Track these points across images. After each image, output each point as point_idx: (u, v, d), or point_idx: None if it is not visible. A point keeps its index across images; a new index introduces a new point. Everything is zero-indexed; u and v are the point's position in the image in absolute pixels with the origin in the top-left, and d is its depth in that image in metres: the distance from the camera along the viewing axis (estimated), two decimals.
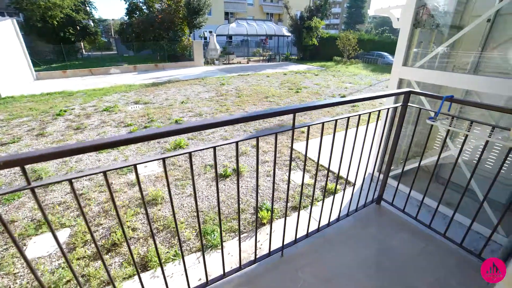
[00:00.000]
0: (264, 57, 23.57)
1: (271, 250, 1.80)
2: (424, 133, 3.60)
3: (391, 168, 2.36)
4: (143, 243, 2.74)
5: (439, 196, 2.65)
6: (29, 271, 2.34)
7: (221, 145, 1.15)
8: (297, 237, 1.91)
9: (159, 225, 3.02)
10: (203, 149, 1.12)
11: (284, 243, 1.84)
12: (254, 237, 1.72)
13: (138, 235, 2.87)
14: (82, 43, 26.14)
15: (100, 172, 0.96)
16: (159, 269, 2.38)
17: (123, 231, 1.12)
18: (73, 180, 0.96)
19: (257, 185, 1.48)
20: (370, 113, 1.71)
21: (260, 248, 2.60)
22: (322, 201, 1.93)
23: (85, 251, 2.58)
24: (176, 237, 2.82)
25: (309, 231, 1.97)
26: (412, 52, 3.13)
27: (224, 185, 3.79)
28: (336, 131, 1.61)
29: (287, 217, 1.85)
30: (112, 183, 3.80)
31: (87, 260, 2.48)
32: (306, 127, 1.44)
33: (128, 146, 4.94)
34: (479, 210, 1.77)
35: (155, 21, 18.88)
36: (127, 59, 21.50)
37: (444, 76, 2.81)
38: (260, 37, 27.37)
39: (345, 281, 1.65)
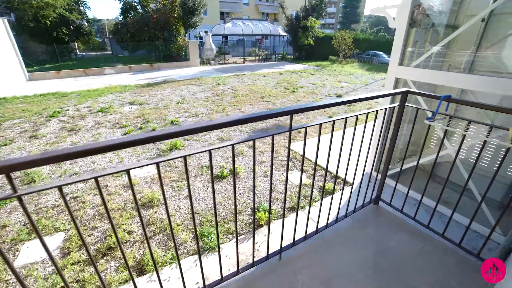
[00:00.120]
0: (260, 57, 23.54)
1: (269, 253, 1.78)
2: (420, 132, 3.61)
3: (389, 167, 2.35)
4: (139, 247, 2.70)
5: (435, 194, 2.65)
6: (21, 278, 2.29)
7: (216, 148, 1.12)
8: (295, 239, 1.89)
9: (155, 228, 2.98)
10: (198, 153, 1.09)
11: (282, 246, 1.82)
12: (252, 239, 1.69)
13: (134, 238, 2.83)
14: (76, 43, 25.87)
15: (92, 178, 0.93)
16: (156, 273, 2.34)
17: (117, 238, 1.08)
18: (63, 186, 0.93)
19: (254, 188, 1.45)
20: (367, 113, 1.70)
21: (258, 250, 2.58)
22: (320, 202, 1.91)
23: (80, 255, 2.53)
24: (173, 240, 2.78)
25: (307, 233, 1.95)
26: (408, 51, 3.13)
27: (220, 186, 3.76)
28: (334, 130, 1.59)
29: (285, 218, 1.83)
30: (107, 185, 3.75)
31: (82, 265, 2.44)
32: (304, 128, 1.42)
33: None
34: (477, 210, 1.77)
35: (150, 21, 18.73)
36: (122, 60, 21.31)
37: (440, 76, 2.82)
38: (256, 36, 27.34)
39: (344, 283, 1.64)
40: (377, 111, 1.79)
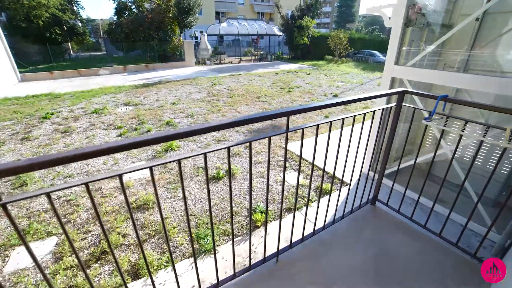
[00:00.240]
0: (256, 57, 23.51)
1: (266, 256, 1.76)
2: (414, 131, 3.62)
3: (386, 167, 2.34)
4: (134, 250, 2.66)
5: (431, 193, 2.66)
6: (10, 285, 2.23)
7: (211, 151, 1.09)
8: (292, 241, 1.87)
9: (150, 231, 2.93)
10: (193, 156, 1.06)
11: (279, 248, 1.80)
12: (248, 241, 1.67)
13: (129, 241, 2.79)
14: (69, 44, 25.54)
15: (82, 184, 0.89)
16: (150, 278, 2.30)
17: (108, 244, 1.05)
18: (52, 193, 0.89)
19: (250, 190, 1.43)
20: (365, 114, 1.68)
21: (254, 251, 2.55)
22: (317, 202, 1.89)
23: (73, 260, 2.48)
24: (169, 243, 2.74)
25: (304, 235, 1.93)
26: (404, 51, 3.14)
27: (216, 187, 3.73)
28: (331, 130, 1.57)
29: (282, 219, 1.81)
30: (101, 187, 3.69)
31: (75, 270, 2.39)
32: (301, 130, 1.39)
33: None
34: (474, 210, 1.77)
35: (145, 21, 18.57)
36: (116, 60, 21.11)
37: (435, 75, 2.82)
38: (251, 36, 27.29)
39: (342, 287, 1.62)
40: (374, 111, 1.78)
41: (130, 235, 2.84)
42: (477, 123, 1.64)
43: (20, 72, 13.08)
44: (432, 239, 2.00)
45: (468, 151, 3.02)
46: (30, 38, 19.49)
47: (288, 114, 1.27)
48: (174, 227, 2.96)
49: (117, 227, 2.95)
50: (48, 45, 17.94)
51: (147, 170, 4.40)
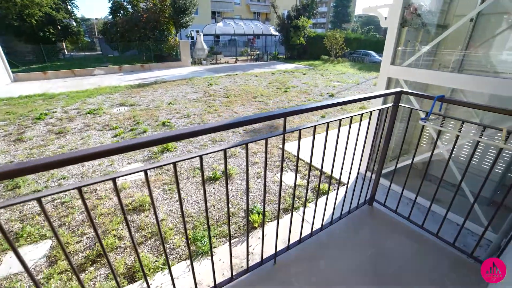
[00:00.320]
0: (252, 57, 23.49)
1: (263, 258, 1.74)
2: (410, 131, 3.63)
3: (383, 167, 2.35)
4: (130, 252, 2.63)
5: (427, 193, 2.67)
6: None
7: (208, 154, 1.08)
8: (290, 243, 1.86)
9: (147, 233, 2.90)
10: (189, 159, 1.04)
11: (277, 250, 1.79)
12: (246, 242, 1.65)
13: (125, 243, 2.75)
14: (64, 43, 25.26)
15: (74, 189, 0.87)
16: (148, 279, 2.28)
17: (103, 248, 1.03)
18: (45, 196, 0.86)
19: (247, 192, 1.41)
20: (362, 114, 1.68)
21: (252, 253, 2.54)
22: (315, 203, 1.88)
23: (68, 263, 2.44)
24: (166, 245, 2.72)
25: (302, 236, 1.92)
26: (400, 51, 3.15)
27: (213, 188, 3.70)
28: (324, 130, 1.56)
29: (279, 220, 1.79)
30: (96, 189, 3.64)
31: (70, 274, 2.35)
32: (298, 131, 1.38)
33: None
34: (471, 210, 1.77)
35: (140, 21, 18.43)
36: (111, 60, 20.91)
37: (431, 75, 2.84)
38: (247, 36, 27.24)
39: None
40: (371, 111, 1.77)
41: (126, 237, 2.81)
42: (474, 123, 1.65)
43: (12, 72, 12.89)
44: (429, 239, 2.01)
45: (463, 150, 3.04)
46: (23, 37, 19.23)
47: (285, 115, 1.26)
48: (171, 229, 2.94)
49: (113, 230, 2.92)
50: (41, 44, 17.71)
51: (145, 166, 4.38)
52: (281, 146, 4.97)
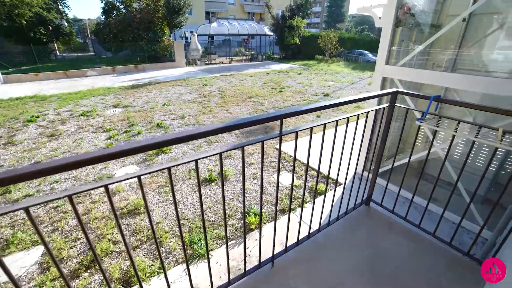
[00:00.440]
0: (247, 57, 23.45)
1: (261, 261, 1.72)
2: (406, 130, 3.65)
3: (379, 168, 2.35)
4: (125, 257, 2.58)
5: (423, 192, 2.68)
6: None
7: (203, 158, 1.05)
8: (288, 245, 1.85)
9: (142, 236, 2.86)
10: (184, 163, 1.02)
11: (275, 253, 1.77)
12: (243, 244, 1.63)
13: (120, 248, 2.71)
14: (55, 44, 24.87)
15: (65, 197, 0.84)
16: (143, 284, 2.24)
17: (95, 256, 1.00)
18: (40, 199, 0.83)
19: (244, 194, 1.39)
20: (358, 115, 1.67)
21: (249, 255, 2.52)
22: (312, 203, 1.87)
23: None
24: (161, 248, 2.68)
25: (299, 238, 1.90)
26: (395, 50, 3.16)
27: (209, 190, 3.67)
28: (320, 130, 1.55)
29: (276, 221, 1.78)
30: (90, 192, 3.58)
31: (63, 281, 2.29)
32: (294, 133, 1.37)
33: None
34: (467, 210, 1.78)
35: (134, 21, 18.24)
36: (105, 61, 20.66)
37: (425, 74, 2.86)
38: (242, 36, 27.20)
39: None
40: (367, 112, 1.77)
41: (121, 241, 2.76)
42: (470, 123, 1.65)
43: (2, 73, 12.64)
44: (426, 238, 2.02)
45: (457, 149, 3.07)
46: (13, 38, 18.87)
47: (281, 117, 1.24)
48: (167, 232, 2.90)
49: (107, 234, 2.87)
50: (32, 45, 17.40)
51: (138, 170, 4.29)
52: (276, 146, 4.96)
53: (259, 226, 1.70)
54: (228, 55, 23.71)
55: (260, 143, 1.27)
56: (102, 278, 2.34)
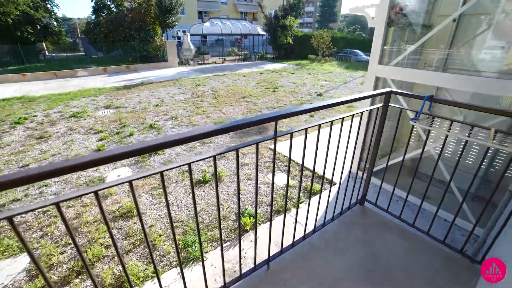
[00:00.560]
0: (240, 57, 23.38)
1: (256, 263, 1.71)
2: (398, 129, 3.68)
3: (373, 167, 2.36)
4: (118, 261, 2.53)
5: (416, 190, 2.70)
6: None
7: (197, 161, 1.03)
8: (283, 246, 1.83)
9: (135, 240, 2.81)
10: (177, 167, 0.99)
11: (270, 255, 1.75)
12: (238, 246, 1.61)
13: (112, 252, 2.65)
14: (44, 44, 24.32)
15: (52, 204, 0.80)
16: None
17: (85, 264, 0.96)
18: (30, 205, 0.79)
19: (239, 196, 1.37)
20: (353, 115, 1.67)
21: (244, 257, 2.50)
22: (307, 204, 1.86)
23: (50, 277, 2.32)
24: (155, 252, 2.64)
25: (295, 240, 1.89)
26: (387, 50, 3.18)
27: (203, 191, 3.64)
28: (315, 130, 1.54)
29: (272, 222, 1.76)
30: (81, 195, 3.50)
31: None
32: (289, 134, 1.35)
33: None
34: (460, 209, 1.80)
35: (125, 21, 17.96)
36: (96, 61, 20.30)
37: (418, 74, 2.88)
38: (235, 36, 27.12)
39: None
40: (362, 112, 1.77)
41: (113, 246, 2.71)
42: (463, 123, 1.67)
43: None
44: (421, 237, 2.03)
45: (448, 147, 3.11)
46: None
47: (276, 118, 1.22)
48: (160, 235, 2.86)
49: (99, 238, 2.81)
50: (19, 45, 16.94)
51: (130, 173, 4.22)
52: (270, 146, 4.95)
53: (254, 228, 1.68)
54: (221, 55, 23.60)
55: (254, 144, 1.26)
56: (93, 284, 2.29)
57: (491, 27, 2.86)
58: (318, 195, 3.36)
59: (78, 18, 43.67)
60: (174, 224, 2.96)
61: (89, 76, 14.24)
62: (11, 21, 17.57)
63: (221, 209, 3.25)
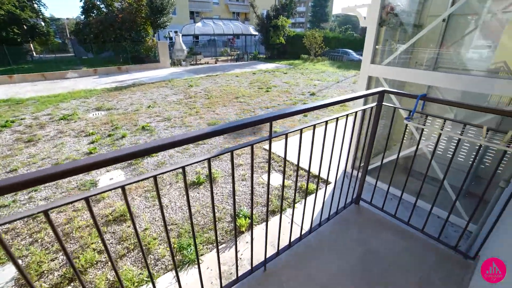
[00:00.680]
0: (232, 57, 23.32)
1: (253, 265, 1.69)
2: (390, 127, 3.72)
3: (368, 166, 2.37)
4: (111, 266, 2.48)
5: (409, 188, 2.73)
6: None
7: (191, 164, 1.01)
8: (280, 248, 1.82)
9: (129, 244, 2.76)
10: (171, 171, 0.97)
11: (267, 256, 1.74)
12: (234, 248, 1.59)
13: (106, 257, 2.60)
14: (31, 45, 23.76)
15: (40, 213, 0.77)
16: None
17: (76, 272, 0.93)
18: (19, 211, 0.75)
19: (234, 197, 1.35)
20: (347, 115, 1.67)
21: (240, 258, 2.49)
22: (303, 204, 1.86)
23: (41, 284, 2.26)
24: (150, 256, 2.59)
25: (291, 240, 1.89)
26: (379, 50, 3.21)
27: (197, 193, 3.60)
28: (309, 129, 1.53)
29: (268, 222, 1.75)
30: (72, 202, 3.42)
31: None
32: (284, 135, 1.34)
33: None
34: (453, 206, 1.82)
35: (116, 21, 17.69)
36: (86, 62, 19.91)
37: (410, 73, 2.92)
38: (227, 36, 27.02)
39: None
40: (356, 112, 1.78)
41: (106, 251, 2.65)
42: (455, 121, 1.69)
43: None
44: (416, 235, 2.05)
45: (439, 145, 3.16)
46: None
47: (270, 119, 1.21)
48: (155, 239, 2.81)
49: (92, 243, 2.75)
50: (4, 45, 16.48)
51: (123, 178, 4.15)
52: (264, 146, 4.94)
53: (250, 229, 1.67)
54: (214, 55, 23.49)
55: (249, 145, 1.24)
56: None
57: (478, 27, 2.92)
58: (313, 195, 3.36)
59: (67, 18, 42.89)
60: (169, 227, 2.92)
61: (79, 77, 13.98)
62: None
63: (216, 210, 3.22)
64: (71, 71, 14.25)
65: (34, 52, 24.50)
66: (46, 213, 0.77)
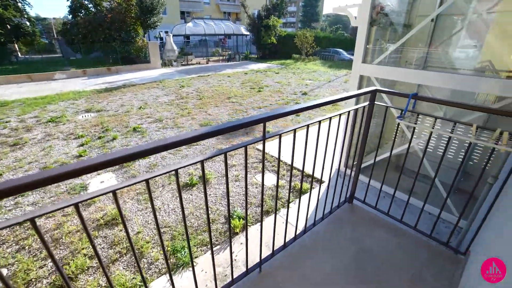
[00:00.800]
0: (224, 57, 23.24)
1: (248, 267, 1.68)
2: (381, 126, 3.77)
3: (361, 165, 2.39)
4: (103, 272, 2.43)
5: (401, 186, 2.77)
6: None
7: (184, 166, 0.99)
8: (275, 248, 1.82)
9: (122, 248, 2.71)
10: (163, 174, 0.95)
11: (262, 258, 1.73)
12: (229, 249, 1.58)
13: (97, 262, 2.54)
14: (16, 45, 23.09)
15: (26, 221, 0.74)
16: None
17: (65, 280, 0.90)
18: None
19: (228, 199, 1.34)
20: (340, 114, 1.68)
21: (235, 259, 2.47)
22: (298, 204, 1.86)
23: None
24: (143, 259, 2.55)
25: (286, 241, 1.88)
26: (370, 49, 3.24)
27: (190, 195, 3.56)
28: (303, 129, 1.53)
29: (262, 223, 1.74)
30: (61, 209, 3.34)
31: None
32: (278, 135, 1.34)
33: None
34: (445, 204, 1.85)
35: (105, 21, 17.34)
36: (74, 63, 19.47)
37: (401, 72, 2.96)
38: (218, 36, 26.91)
39: None
40: (348, 111, 1.79)
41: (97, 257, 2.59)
42: (446, 119, 1.72)
43: None
44: (408, 232, 2.08)
45: (430, 142, 3.21)
46: None
47: (264, 120, 1.20)
48: (148, 242, 2.77)
49: (83, 248, 2.68)
50: None
51: (114, 181, 4.06)
52: (257, 147, 4.93)
53: (245, 230, 1.65)
54: (205, 55, 23.35)
55: (243, 147, 1.23)
56: None
57: (465, 27, 2.98)
58: (307, 194, 3.37)
59: (54, 18, 41.85)
60: (162, 230, 2.88)
61: (67, 78, 13.67)
62: None
63: (209, 212, 3.20)
64: (59, 72, 13.91)
65: (19, 53, 23.82)
66: (32, 220, 0.74)
